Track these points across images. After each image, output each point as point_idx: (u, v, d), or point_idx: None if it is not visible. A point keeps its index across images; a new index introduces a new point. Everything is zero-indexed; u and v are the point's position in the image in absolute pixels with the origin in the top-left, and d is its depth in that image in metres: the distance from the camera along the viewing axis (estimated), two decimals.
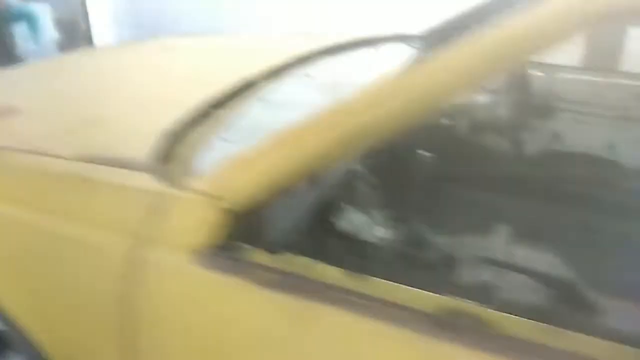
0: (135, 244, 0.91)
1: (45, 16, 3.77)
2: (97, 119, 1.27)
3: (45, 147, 1.13)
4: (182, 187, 0.94)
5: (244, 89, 1.42)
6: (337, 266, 0.84)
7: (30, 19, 3.70)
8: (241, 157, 0.90)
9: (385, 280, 0.82)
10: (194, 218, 0.88)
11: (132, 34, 4.29)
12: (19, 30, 3.65)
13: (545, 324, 0.74)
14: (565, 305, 1.01)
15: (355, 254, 1.04)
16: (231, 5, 3.80)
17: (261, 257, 0.87)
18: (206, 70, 1.64)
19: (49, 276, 1.03)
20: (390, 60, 1.83)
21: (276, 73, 1.54)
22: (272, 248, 0.87)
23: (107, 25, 4.30)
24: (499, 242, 1.26)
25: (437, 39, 1.95)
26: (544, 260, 1.18)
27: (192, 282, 0.88)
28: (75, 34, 3.99)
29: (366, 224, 1.10)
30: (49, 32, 3.82)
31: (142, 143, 1.11)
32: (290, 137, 0.86)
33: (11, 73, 1.85)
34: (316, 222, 1.01)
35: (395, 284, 0.82)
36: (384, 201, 1.17)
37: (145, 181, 0.97)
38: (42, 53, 3.81)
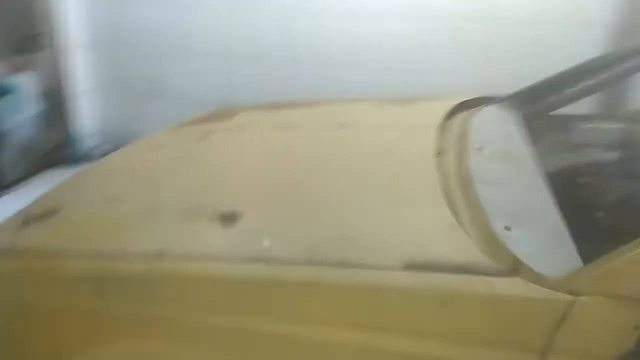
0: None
1: (30, 87, 3.46)
2: (338, 222, 1.18)
3: (326, 256, 1.03)
4: (568, 290, 0.90)
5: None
6: None
7: (16, 92, 3.37)
8: None
9: None
10: (608, 325, 0.86)
11: (118, 100, 4.06)
12: (4, 105, 3.30)
13: None
14: None
15: None
16: (220, 67, 3.74)
17: None
18: (355, 154, 1.58)
19: None
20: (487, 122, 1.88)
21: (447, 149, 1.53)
22: None
23: (91, 93, 4.03)
24: None
25: (525, 101, 2.06)
26: None
27: None
28: (59, 105, 3.69)
29: None
30: (34, 104, 3.51)
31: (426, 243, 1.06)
32: None
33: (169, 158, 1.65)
34: None
35: None
36: None
37: (518, 287, 0.93)
38: (27, 127, 3.48)
